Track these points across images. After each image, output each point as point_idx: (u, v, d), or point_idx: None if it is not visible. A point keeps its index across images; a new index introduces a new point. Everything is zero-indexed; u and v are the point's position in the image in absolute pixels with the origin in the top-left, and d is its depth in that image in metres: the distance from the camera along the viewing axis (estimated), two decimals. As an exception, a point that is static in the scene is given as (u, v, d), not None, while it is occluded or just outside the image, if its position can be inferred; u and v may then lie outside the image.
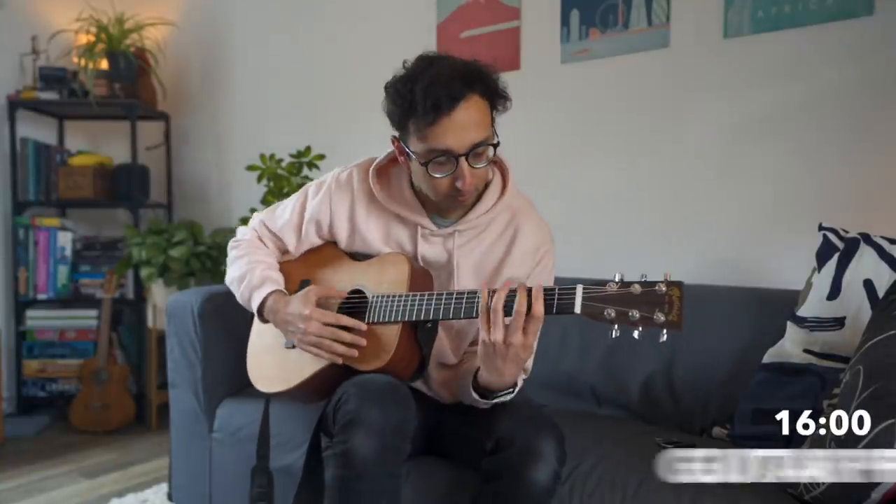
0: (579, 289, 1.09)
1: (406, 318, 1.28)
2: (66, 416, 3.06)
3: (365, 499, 1.19)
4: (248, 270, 1.45)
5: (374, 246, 1.43)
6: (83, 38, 3.13)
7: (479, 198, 1.38)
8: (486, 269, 1.39)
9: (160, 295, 2.96)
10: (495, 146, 1.28)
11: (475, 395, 1.27)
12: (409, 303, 1.27)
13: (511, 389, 1.27)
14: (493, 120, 1.29)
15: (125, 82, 3.12)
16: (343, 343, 1.31)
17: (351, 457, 1.18)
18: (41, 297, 3.19)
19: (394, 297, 1.30)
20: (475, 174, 1.26)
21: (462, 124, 1.21)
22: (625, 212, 2.22)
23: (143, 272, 2.93)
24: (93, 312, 3.18)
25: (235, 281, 1.49)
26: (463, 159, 1.23)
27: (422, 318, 1.26)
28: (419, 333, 1.32)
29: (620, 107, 2.22)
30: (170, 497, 2.08)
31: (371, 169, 1.42)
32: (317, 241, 1.51)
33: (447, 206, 1.35)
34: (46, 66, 3.17)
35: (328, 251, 1.50)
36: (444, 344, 1.41)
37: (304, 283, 1.47)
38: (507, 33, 2.42)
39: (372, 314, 1.33)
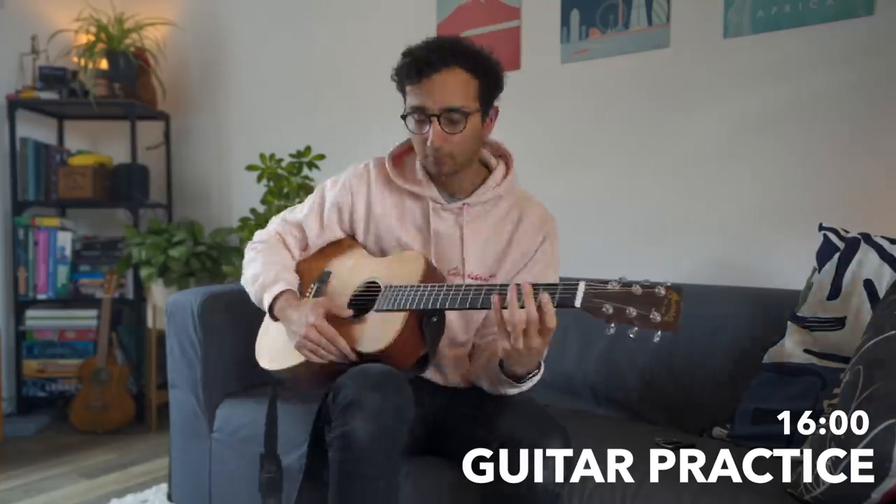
0: (581, 284, 1.11)
1: (412, 306, 1.30)
2: (65, 416, 3.06)
3: (364, 481, 1.22)
4: (263, 271, 1.50)
5: (390, 225, 1.48)
6: (83, 38, 3.13)
7: (486, 177, 1.47)
8: (494, 248, 1.45)
9: (160, 295, 2.96)
10: (468, 115, 1.34)
11: (507, 379, 1.29)
12: (417, 293, 1.30)
13: (538, 370, 1.30)
14: (482, 100, 1.37)
15: (125, 82, 3.12)
16: (333, 353, 1.36)
17: (350, 439, 1.21)
18: (41, 297, 3.18)
19: (404, 287, 1.33)
20: (448, 139, 1.34)
21: (439, 87, 1.32)
22: (625, 211, 2.22)
23: (143, 272, 2.93)
24: (93, 312, 3.17)
25: (249, 280, 1.53)
26: (435, 120, 1.33)
27: (427, 307, 1.28)
28: (425, 327, 1.34)
29: (620, 107, 2.22)
30: (170, 497, 2.08)
31: (388, 155, 1.52)
32: (338, 232, 1.56)
33: (433, 172, 1.42)
34: (46, 65, 3.17)
35: (348, 245, 1.55)
36: (452, 322, 1.44)
37: (326, 274, 1.52)
38: (507, 33, 2.42)
39: (381, 302, 1.37)
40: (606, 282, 1.09)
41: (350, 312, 1.39)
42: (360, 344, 1.35)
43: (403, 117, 1.38)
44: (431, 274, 1.37)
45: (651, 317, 1.04)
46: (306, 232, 1.56)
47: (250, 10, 3.19)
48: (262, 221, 2.67)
